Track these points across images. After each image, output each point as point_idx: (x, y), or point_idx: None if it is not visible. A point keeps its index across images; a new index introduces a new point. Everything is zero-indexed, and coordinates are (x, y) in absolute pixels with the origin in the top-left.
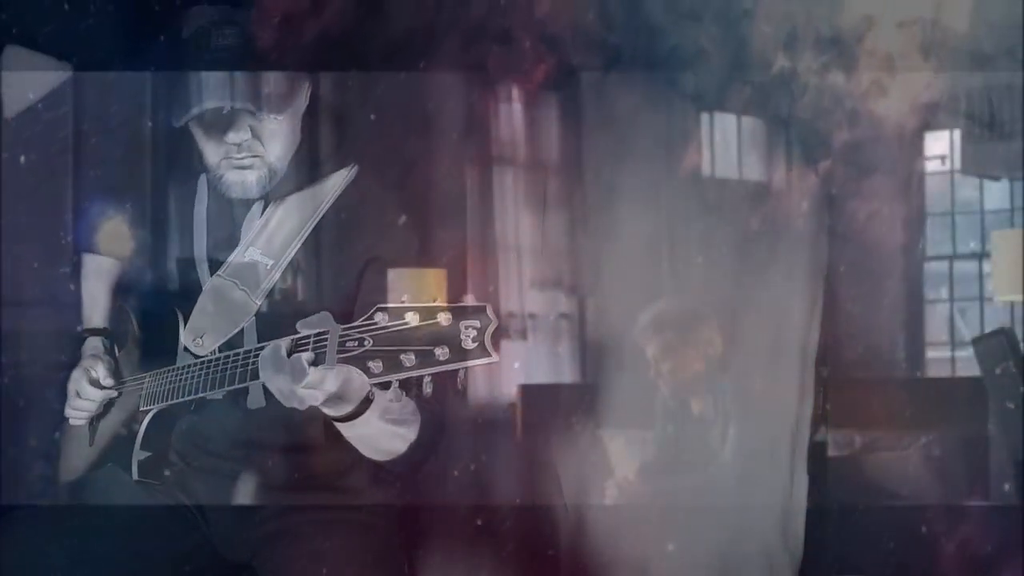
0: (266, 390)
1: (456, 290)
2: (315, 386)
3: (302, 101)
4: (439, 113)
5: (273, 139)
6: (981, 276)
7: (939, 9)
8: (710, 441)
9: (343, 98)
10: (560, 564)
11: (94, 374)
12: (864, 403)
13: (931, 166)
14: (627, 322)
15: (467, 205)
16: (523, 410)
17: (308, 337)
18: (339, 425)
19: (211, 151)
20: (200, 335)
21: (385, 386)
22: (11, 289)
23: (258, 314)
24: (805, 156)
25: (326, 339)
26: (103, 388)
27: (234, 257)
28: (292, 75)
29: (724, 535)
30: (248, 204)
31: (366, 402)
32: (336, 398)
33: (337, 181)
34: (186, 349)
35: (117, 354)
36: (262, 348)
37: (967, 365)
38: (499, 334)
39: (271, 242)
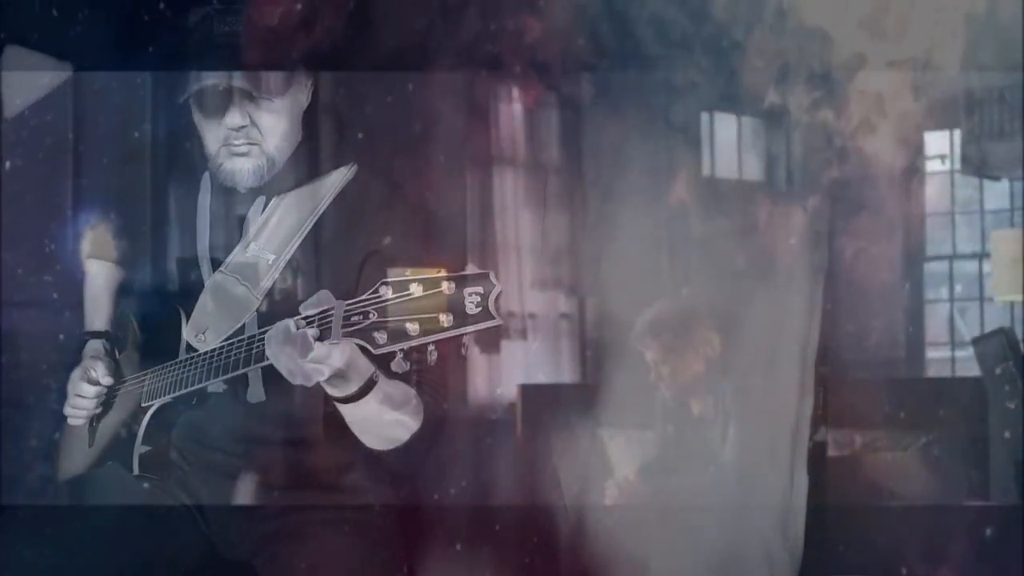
0: (266, 384)
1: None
2: (321, 360)
3: (303, 97)
4: (439, 113)
5: (271, 128)
6: (981, 276)
7: (931, 50)
8: (710, 441)
9: (344, 96)
10: (560, 564)
11: (93, 373)
12: (864, 403)
13: (931, 166)
14: (627, 322)
15: (467, 205)
16: (523, 410)
17: (313, 315)
18: (341, 408)
19: (210, 137)
20: (202, 331)
21: (390, 357)
22: (11, 289)
23: (259, 310)
24: (805, 157)
25: (331, 316)
26: (100, 386)
27: (236, 253)
28: (290, 60)
29: (724, 535)
30: (250, 200)
31: (370, 383)
32: (341, 376)
33: (337, 178)
34: (188, 346)
35: (118, 356)
36: (265, 332)
37: (967, 365)
38: (502, 298)
39: (272, 238)
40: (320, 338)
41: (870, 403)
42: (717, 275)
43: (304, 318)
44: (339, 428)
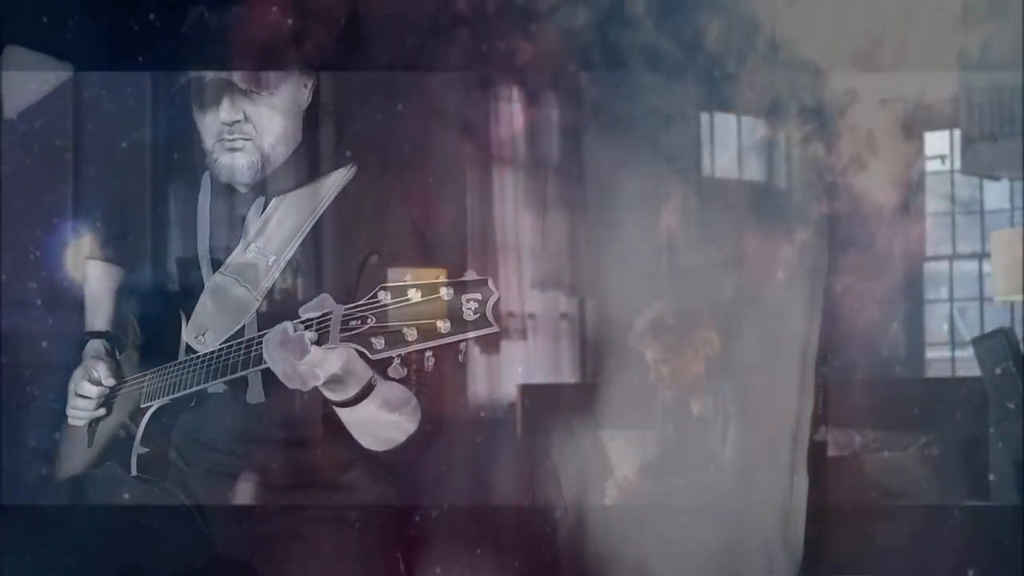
0: (266, 384)
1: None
2: (317, 364)
3: (303, 97)
4: (440, 113)
5: (266, 124)
6: (981, 276)
7: (923, 90)
8: (710, 441)
9: (344, 97)
10: (560, 564)
11: (95, 374)
12: (864, 403)
13: (931, 166)
14: (627, 322)
15: (467, 205)
16: (523, 410)
17: (312, 318)
18: (339, 411)
19: (207, 132)
20: (202, 332)
21: (388, 362)
22: (11, 289)
23: (259, 311)
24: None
25: (330, 320)
26: (102, 386)
27: (235, 254)
28: (283, 57)
29: (724, 535)
30: (249, 201)
31: (368, 387)
32: (338, 381)
33: (337, 179)
34: (188, 348)
35: (118, 357)
36: (263, 335)
37: (967, 365)
38: (500, 306)
39: (272, 239)
40: (318, 342)
41: (870, 403)
42: (717, 276)
43: (302, 321)
44: (338, 428)
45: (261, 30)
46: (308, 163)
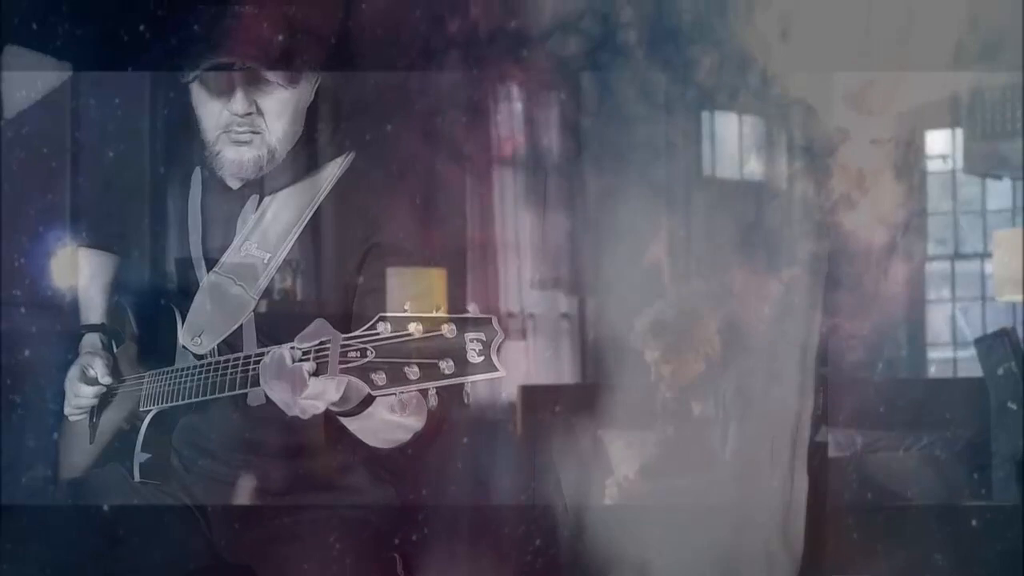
0: None
1: (456, 291)
2: (316, 397)
3: (309, 92)
4: (440, 108)
5: (276, 118)
6: (983, 276)
7: (913, 131)
8: (710, 441)
9: (343, 93)
10: (560, 564)
11: (91, 372)
12: (865, 403)
13: (933, 165)
14: (627, 322)
15: (467, 205)
16: (523, 410)
17: (309, 347)
18: (342, 419)
19: (211, 123)
20: (198, 333)
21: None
22: (11, 289)
23: (256, 310)
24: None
25: (327, 349)
26: (98, 385)
27: (230, 253)
28: (304, 42)
29: (724, 535)
30: (243, 199)
31: (369, 399)
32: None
33: (333, 170)
34: (185, 347)
35: (115, 350)
36: (262, 354)
37: (969, 365)
38: (505, 347)
39: (267, 236)
40: (316, 372)
41: (871, 403)
42: (718, 276)
43: (299, 348)
44: (339, 431)
45: (271, 27)
46: (305, 158)
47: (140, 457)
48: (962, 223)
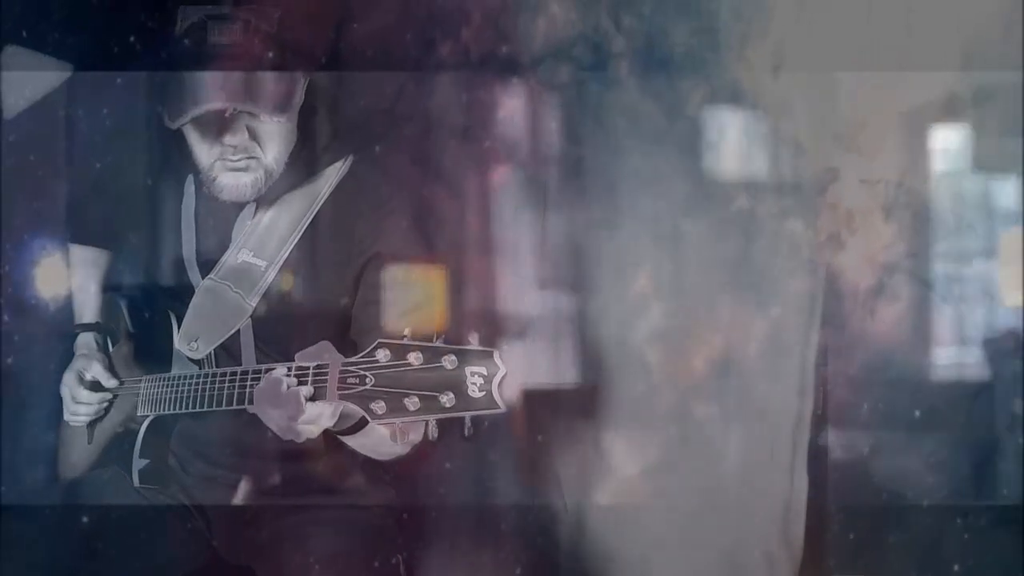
0: None
1: (457, 290)
2: (312, 422)
3: (299, 95)
4: (439, 111)
5: (272, 141)
6: (989, 277)
7: (904, 172)
8: (711, 442)
9: (337, 93)
10: (560, 564)
11: (89, 376)
12: (866, 403)
13: (940, 164)
14: (628, 322)
15: (467, 204)
16: (523, 410)
17: (307, 369)
18: (339, 436)
19: (204, 153)
20: (194, 339)
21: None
22: (11, 288)
23: (253, 316)
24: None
25: (326, 372)
26: (101, 391)
27: (226, 259)
28: (292, 73)
29: (724, 535)
30: (239, 205)
31: (364, 420)
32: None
33: (331, 176)
34: (181, 352)
35: (110, 350)
36: (259, 372)
37: (973, 366)
38: (507, 383)
39: (264, 243)
40: (313, 397)
41: (872, 403)
42: (718, 276)
43: (297, 369)
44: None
45: (269, 20)
46: (303, 163)
47: (139, 463)
48: (969, 223)
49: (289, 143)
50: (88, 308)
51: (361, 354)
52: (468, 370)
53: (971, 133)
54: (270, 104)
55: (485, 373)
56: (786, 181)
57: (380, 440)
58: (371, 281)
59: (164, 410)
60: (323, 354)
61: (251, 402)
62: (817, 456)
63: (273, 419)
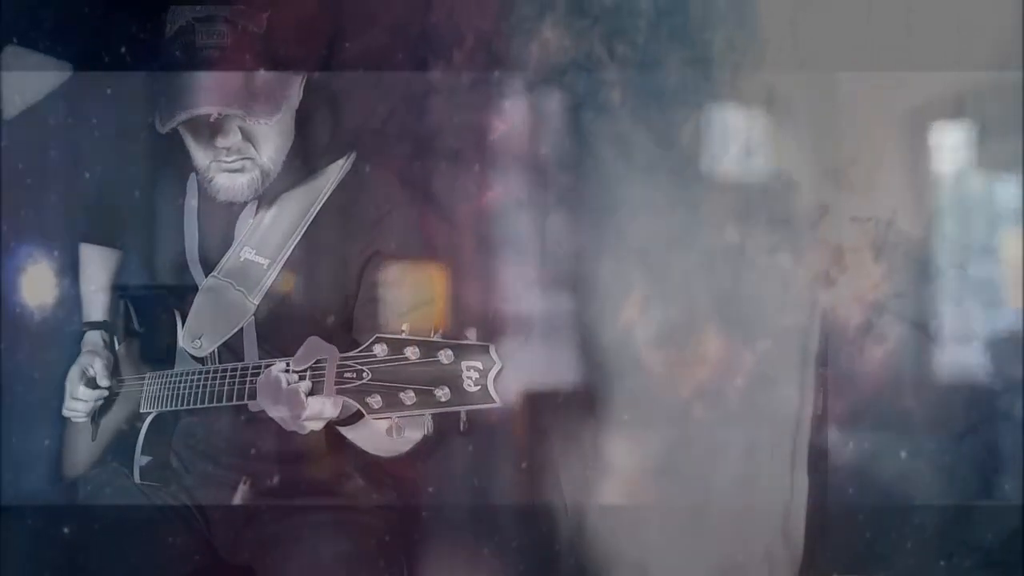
0: None
1: (458, 290)
2: (315, 416)
3: (295, 98)
4: (440, 111)
5: (265, 140)
6: (991, 277)
7: (896, 211)
8: (711, 442)
9: (337, 92)
10: (560, 564)
11: (90, 372)
12: (869, 405)
13: (941, 163)
14: (628, 322)
15: (467, 204)
16: (523, 410)
17: (305, 368)
18: (340, 428)
19: (200, 154)
20: (198, 337)
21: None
22: (11, 288)
23: (256, 315)
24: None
25: (324, 367)
26: (98, 388)
27: (228, 257)
28: (283, 73)
29: (724, 535)
30: (241, 203)
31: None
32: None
33: (333, 173)
34: (185, 350)
35: (117, 348)
36: (259, 367)
37: (975, 367)
38: (502, 377)
39: (266, 241)
40: (312, 391)
41: (875, 405)
42: (719, 276)
43: (296, 372)
44: (339, 436)
45: (258, 22)
46: (302, 161)
47: (140, 460)
48: (971, 223)
49: (286, 142)
50: (96, 307)
51: (359, 349)
52: (464, 364)
53: (971, 133)
54: (257, 107)
55: (481, 367)
56: (777, 215)
57: (378, 433)
58: (372, 279)
59: (167, 407)
60: (315, 351)
61: (252, 397)
62: (817, 456)
63: (276, 415)
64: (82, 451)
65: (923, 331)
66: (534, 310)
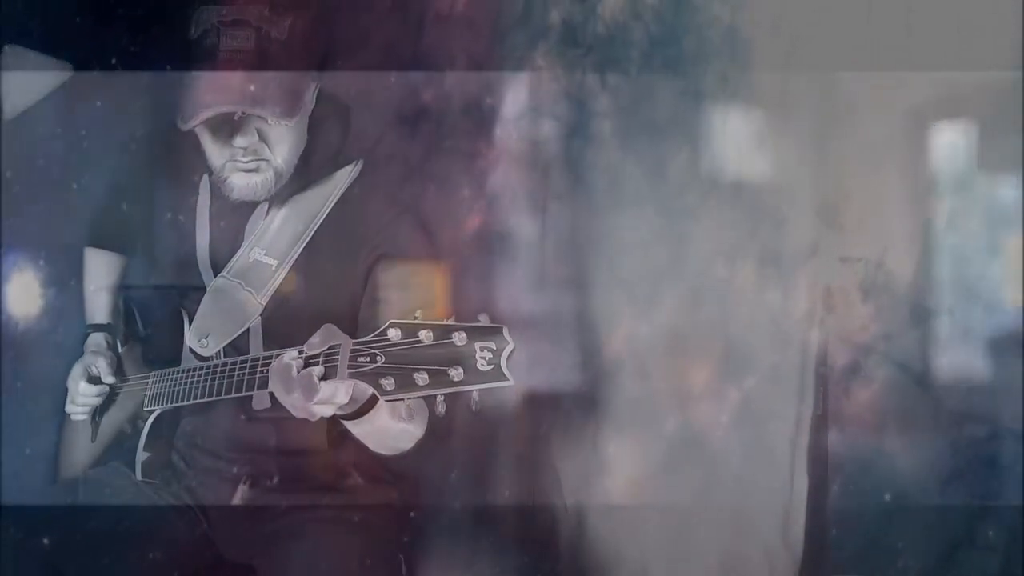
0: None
1: (457, 290)
2: (327, 401)
3: (310, 104)
4: (443, 111)
5: (281, 142)
6: (991, 277)
7: (885, 251)
8: (711, 442)
9: (348, 96)
10: (560, 564)
11: (94, 371)
12: (867, 404)
13: (942, 164)
14: (628, 322)
15: (468, 204)
16: (523, 411)
17: (318, 354)
18: (346, 422)
19: (216, 154)
20: (205, 336)
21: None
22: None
23: (263, 315)
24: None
25: (337, 353)
26: (101, 385)
27: (238, 258)
28: (302, 77)
29: (724, 535)
30: (252, 204)
31: (373, 399)
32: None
33: (342, 179)
34: (191, 349)
35: (120, 350)
36: (270, 357)
37: (974, 367)
38: (515, 357)
39: (276, 242)
40: (325, 376)
41: (873, 404)
42: (718, 276)
43: (308, 357)
44: (342, 434)
45: (280, 27)
46: (313, 165)
47: (142, 456)
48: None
49: (299, 146)
50: (100, 310)
51: (373, 334)
52: (478, 345)
53: (971, 133)
54: (278, 108)
55: (494, 347)
56: (767, 253)
57: (382, 428)
58: (378, 281)
59: (173, 402)
60: (329, 337)
61: (261, 387)
62: (817, 456)
63: (288, 400)
64: (81, 451)
65: (910, 374)
66: (545, 298)
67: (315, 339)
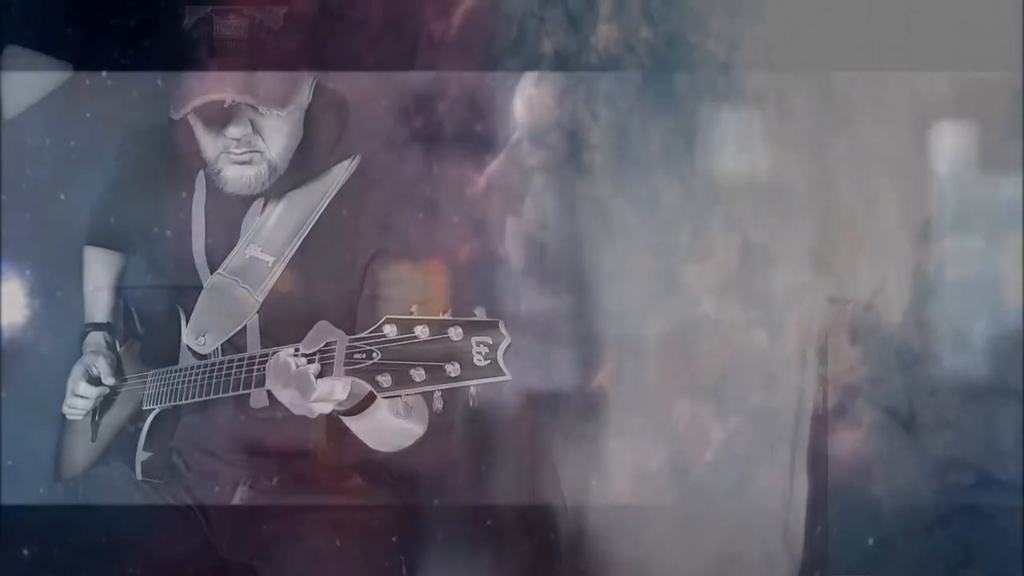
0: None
1: (458, 289)
2: (324, 398)
3: (306, 96)
4: (443, 108)
5: (275, 134)
6: (990, 278)
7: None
8: (710, 442)
9: (346, 92)
10: (560, 564)
11: (94, 371)
12: (871, 406)
13: (941, 164)
14: (628, 322)
15: (468, 204)
16: (523, 410)
17: (314, 351)
18: (345, 419)
19: (209, 145)
20: (202, 334)
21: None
22: (12, 287)
23: (260, 312)
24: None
25: (333, 349)
26: (101, 385)
27: (234, 255)
28: (296, 67)
29: (724, 535)
30: (248, 200)
31: (372, 395)
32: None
33: (339, 174)
34: (189, 348)
35: (119, 349)
36: (267, 355)
37: (974, 367)
38: (512, 351)
39: (272, 239)
40: (321, 374)
41: (872, 404)
42: (718, 276)
43: (305, 354)
44: (341, 432)
45: (274, 18)
46: (309, 160)
47: (142, 456)
48: (970, 225)
49: (294, 139)
50: (99, 309)
51: (369, 330)
52: (474, 340)
53: (971, 133)
54: (270, 97)
55: (490, 342)
56: (755, 291)
57: (381, 425)
58: (376, 277)
59: (171, 401)
60: (325, 334)
61: (258, 385)
62: (817, 456)
63: (286, 398)
64: (81, 451)
65: (897, 418)
66: (542, 297)
67: (310, 336)
